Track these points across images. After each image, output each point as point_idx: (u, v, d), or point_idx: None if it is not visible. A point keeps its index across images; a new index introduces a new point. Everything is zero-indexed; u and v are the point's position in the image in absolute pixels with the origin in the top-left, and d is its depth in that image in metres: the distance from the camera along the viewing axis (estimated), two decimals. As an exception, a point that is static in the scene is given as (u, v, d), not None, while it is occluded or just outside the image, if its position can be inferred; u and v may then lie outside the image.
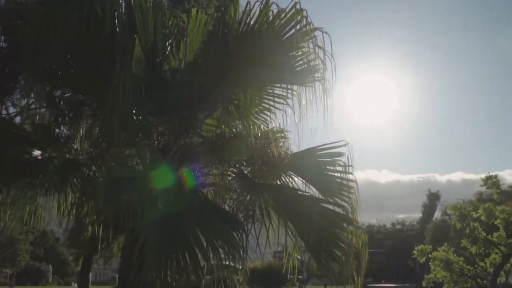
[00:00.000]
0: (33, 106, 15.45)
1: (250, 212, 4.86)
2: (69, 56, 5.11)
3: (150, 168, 4.43)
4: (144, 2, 5.40)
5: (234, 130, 6.11)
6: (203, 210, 4.25)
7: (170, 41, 5.69)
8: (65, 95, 5.65)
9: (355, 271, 4.72)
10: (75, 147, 5.53)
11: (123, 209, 3.44)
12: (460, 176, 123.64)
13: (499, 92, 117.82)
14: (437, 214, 54.92)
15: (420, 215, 57.59)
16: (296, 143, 5.50)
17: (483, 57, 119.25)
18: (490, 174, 11.81)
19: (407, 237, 55.38)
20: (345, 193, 5.57)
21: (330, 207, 5.25)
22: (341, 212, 5.13)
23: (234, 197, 5.56)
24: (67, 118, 5.98)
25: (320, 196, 5.54)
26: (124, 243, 5.15)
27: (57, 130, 11.00)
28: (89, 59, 4.90)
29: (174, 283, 3.57)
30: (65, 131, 13.42)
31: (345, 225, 4.96)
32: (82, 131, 5.74)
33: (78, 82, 5.32)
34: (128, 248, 3.60)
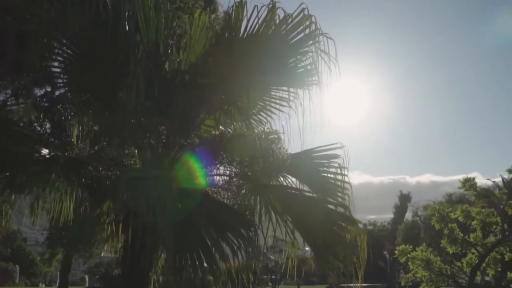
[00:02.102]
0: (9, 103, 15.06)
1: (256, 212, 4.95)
2: (75, 56, 5.08)
3: (161, 168, 4.46)
4: (146, 1, 5.40)
5: (231, 131, 6.19)
6: (215, 210, 4.31)
7: (172, 42, 5.72)
8: (66, 95, 5.59)
9: (358, 269, 4.87)
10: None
11: (143, 209, 3.47)
12: (429, 178, 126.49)
13: (467, 95, 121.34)
14: (408, 215, 56.23)
15: (391, 215, 58.78)
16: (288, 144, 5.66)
17: (454, 61, 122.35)
18: (469, 176, 12.17)
19: (379, 237, 56.36)
20: (340, 194, 5.71)
21: (332, 207, 5.38)
22: (341, 212, 5.26)
23: (231, 196, 5.64)
24: (67, 117, 5.94)
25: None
26: (125, 242, 5.15)
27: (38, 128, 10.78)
28: (97, 59, 4.88)
29: (190, 283, 3.62)
30: (48, 129, 13.12)
31: (348, 225, 5.09)
32: (80, 129, 5.71)
33: (80, 82, 5.29)
34: (150, 247, 3.63)
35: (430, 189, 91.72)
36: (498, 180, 12.95)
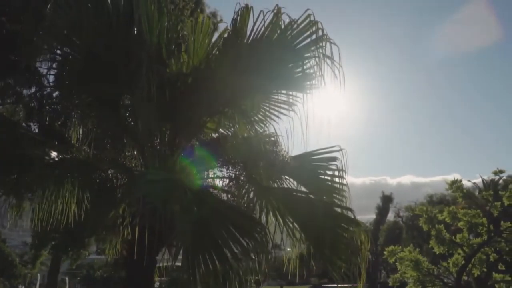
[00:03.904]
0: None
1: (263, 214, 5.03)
2: (78, 57, 5.08)
3: (167, 171, 4.50)
4: (149, 4, 5.43)
5: (231, 133, 6.26)
6: (227, 211, 4.36)
7: (174, 46, 5.75)
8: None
9: (361, 269, 4.98)
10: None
11: (161, 211, 3.52)
12: (410, 179, 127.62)
13: (445, 97, 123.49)
14: (390, 216, 56.88)
15: (373, 216, 59.29)
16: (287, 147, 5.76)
17: (429, 62, 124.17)
18: (450, 178, 12.53)
19: (361, 238, 56.87)
20: (338, 196, 5.82)
21: (335, 209, 5.47)
22: (345, 214, 5.37)
23: (232, 198, 5.70)
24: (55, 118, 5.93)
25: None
26: (127, 244, 5.17)
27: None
28: (105, 62, 4.90)
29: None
30: (35, 129, 12.98)
31: (351, 227, 5.20)
32: (82, 132, 5.72)
33: (84, 84, 5.28)
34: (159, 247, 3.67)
35: (411, 190, 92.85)
36: (478, 181, 13.35)
